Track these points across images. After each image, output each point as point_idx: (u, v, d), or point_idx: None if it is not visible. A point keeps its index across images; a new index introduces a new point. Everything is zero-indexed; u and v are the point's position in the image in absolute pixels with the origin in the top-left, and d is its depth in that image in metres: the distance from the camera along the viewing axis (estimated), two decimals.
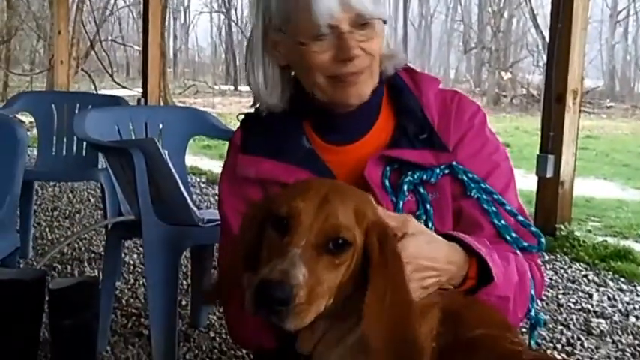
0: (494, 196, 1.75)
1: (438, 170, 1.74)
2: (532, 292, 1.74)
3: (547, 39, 5.76)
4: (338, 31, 1.68)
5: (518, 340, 1.44)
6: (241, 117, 1.93)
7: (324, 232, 1.36)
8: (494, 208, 1.74)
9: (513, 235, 1.74)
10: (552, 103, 5.41)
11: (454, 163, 1.76)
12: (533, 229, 1.77)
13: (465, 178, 1.75)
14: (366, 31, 1.70)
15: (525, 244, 1.75)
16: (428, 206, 1.73)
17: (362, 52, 1.71)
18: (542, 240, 1.77)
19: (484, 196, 1.74)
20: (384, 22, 1.77)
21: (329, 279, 1.35)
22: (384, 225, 1.44)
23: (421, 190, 1.74)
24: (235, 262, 1.51)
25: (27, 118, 9.04)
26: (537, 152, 5.57)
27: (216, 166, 8.82)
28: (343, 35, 1.68)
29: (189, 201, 3.14)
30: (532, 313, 1.76)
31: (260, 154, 1.80)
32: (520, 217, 1.76)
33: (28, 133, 4.09)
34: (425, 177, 1.74)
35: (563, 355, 3.42)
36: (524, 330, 2.07)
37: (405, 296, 1.37)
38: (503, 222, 1.74)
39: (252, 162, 1.81)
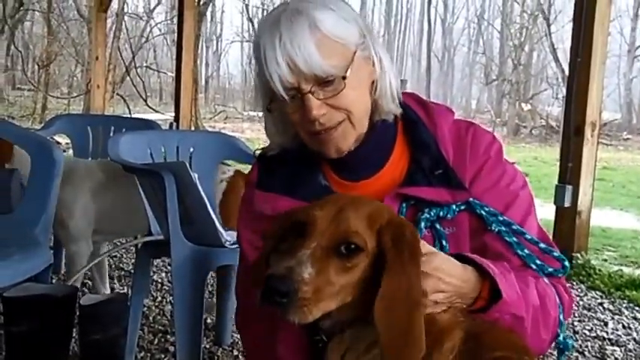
0: (514, 227, 1.71)
1: (454, 207, 1.70)
2: (561, 316, 1.71)
3: (566, 72, 5.75)
4: (300, 91, 1.63)
5: None
6: (258, 152, 1.91)
7: (334, 237, 1.39)
8: (515, 239, 1.70)
9: (538, 262, 1.71)
10: (571, 134, 5.38)
11: (471, 199, 1.72)
12: (556, 254, 1.74)
13: (483, 212, 1.71)
14: (332, 87, 1.63)
15: (551, 269, 1.71)
16: (444, 242, 1.69)
17: (329, 109, 1.65)
18: (566, 264, 1.74)
19: (504, 228, 1.70)
20: (373, 61, 1.71)
21: (340, 280, 1.37)
22: (399, 224, 1.45)
23: (437, 226, 1.70)
24: (258, 267, 1.52)
25: (63, 140, 9.12)
26: (556, 182, 5.54)
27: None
28: (304, 96, 1.63)
29: (216, 222, 3.14)
30: (560, 338, 1.72)
31: (276, 191, 1.77)
32: (542, 244, 1.72)
33: (65, 154, 4.13)
34: (442, 214, 1.69)
35: None
36: (552, 354, 2.04)
37: (415, 294, 1.37)
38: (526, 251, 1.70)
39: (268, 198, 1.78)
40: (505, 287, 1.54)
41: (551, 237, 5.26)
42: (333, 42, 1.63)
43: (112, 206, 3.76)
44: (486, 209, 1.71)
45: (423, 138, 1.78)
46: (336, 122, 1.67)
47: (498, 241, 1.70)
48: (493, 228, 1.70)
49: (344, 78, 1.63)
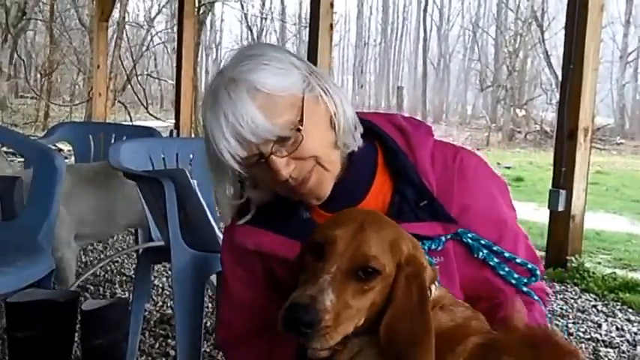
0: (494, 248, 1.71)
1: (443, 238, 1.67)
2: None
3: (560, 78, 5.75)
4: (262, 156, 1.57)
5: None
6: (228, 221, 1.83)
7: (354, 260, 1.38)
8: (497, 260, 1.71)
9: (516, 276, 1.73)
10: (564, 139, 5.39)
11: (460, 230, 1.69)
12: (530, 266, 1.74)
13: (469, 240, 1.69)
14: (291, 141, 1.57)
15: (525, 280, 1.74)
16: None
17: (296, 162, 1.59)
18: (537, 272, 1.75)
19: (486, 252, 1.70)
20: (324, 99, 1.63)
21: (357, 304, 1.37)
22: (418, 263, 1.44)
23: (428, 258, 1.65)
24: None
25: (65, 147, 9.12)
26: (550, 186, 5.55)
27: None
28: (268, 159, 1.57)
29: (216, 229, 3.15)
30: None
31: (258, 225, 1.72)
32: (518, 259, 1.73)
33: (66, 161, 4.13)
34: (433, 246, 1.66)
35: None
36: None
37: (417, 332, 1.37)
38: (506, 269, 1.72)
39: (250, 233, 1.73)
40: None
41: (545, 240, 5.26)
42: (278, 97, 1.56)
43: (87, 208, 3.75)
44: (470, 235, 1.69)
45: (405, 168, 1.71)
46: (308, 171, 1.62)
47: (484, 266, 1.71)
48: (480, 256, 1.70)
49: (299, 130, 1.56)
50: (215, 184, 1.74)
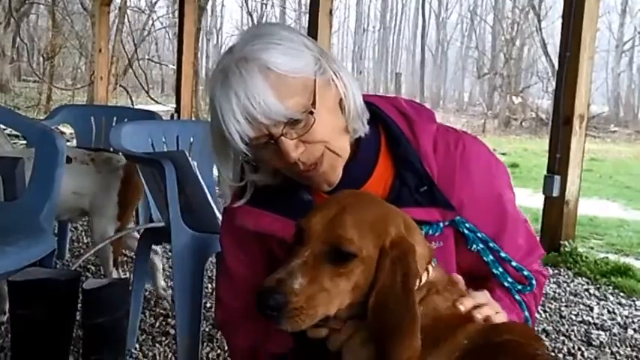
0: (490, 244, 1.68)
1: (441, 224, 1.65)
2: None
3: (556, 66, 5.74)
4: (272, 137, 1.53)
5: (543, 350, 1.43)
6: (228, 201, 1.79)
7: (328, 243, 1.36)
8: (492, 257, 1.69)
9: (510, 280, 1.71)
10: (560, 126, 5.39)
11: (457, 217, 1.66)
12: (526, 272, 1.72)
13: (465, 231, 1.67)
14: (302, 124, 1.52)
15: (519, 287, 1.72)
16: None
17: (305, 145, 1.55)
18: (533, 282, 1.73)
19: (482, 246, 1.68)
20: (335, 82, 1.59)
21: (333, 287, 1.35)
22: (406, 245, 1.39)
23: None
24: None
25: (67, 130, 9.10)
26: (545, 173, 5.55)
27: None
28: (277, 140, 1.52)
29: (215, 210, 3.15)
30: None
31: (259, 206, 1.68)
32: (514, 263, 1.71)
33: (68, 143, 4.12)
34: (430, 231, 1.64)
35: None
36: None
37: (403, 318, 1.34)
38: (500, 269, 1.70)
39: (250, 213, 1.69)
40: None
41: (539, 225, 5.26)
42: (291, 79, 1.51)
43: None
44: (467, 226, 1.67)
45: (407, 154, 1.67)
46: (317, 156, 1.58)
47: (479, 259, 1.69)
48: (474, 248, 1.68)
49: (312, 113, 1.52)
50: (217, 164, 1.71)
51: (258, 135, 1.53)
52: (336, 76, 1.59)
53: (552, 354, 1.57)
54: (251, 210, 1.69)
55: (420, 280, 1.43)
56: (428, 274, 1.45)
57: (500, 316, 1.51)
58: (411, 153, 1.67)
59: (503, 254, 1.70)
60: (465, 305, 1.47)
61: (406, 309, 1.34)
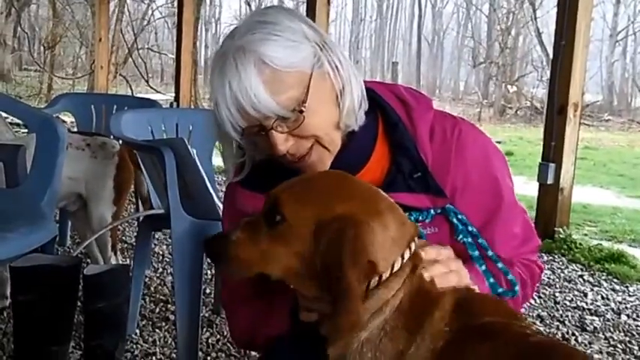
0: (479, 241, 1.65)
1: (432, 211, 1.62)
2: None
3: (551, 55, 5.73)
4: (263, 128, 1.53)
5: (526, 325, 1.41)
6: (230, 177, 1.79)
7: (266, 207, 1.41)
8: (477, 253, 1.64)
9: (492, 281, 1.64)
10: (555, 114, 5.38)
11: (448, 205, 1.63)
12: (510, 277, 1.66)
13: (455, 220, 1.64)
14: (292, 119, 1.52)
15: (501, 290, 1.64)
16: None
17: (295, 139, 1.55)
18: (516, 289, 1.66)
19: (470, 240, 1.64)
20: (332, 74, 1.56)
21: (269, 247, 1.38)
22: (352, 222, 1.34)
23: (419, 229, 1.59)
24: None
25: (68, 118, 9.09)
26: (539, 160, 5.55)
27: None
28: (268, 133, 1.53)
29: (214, 197, 3.15)
30: None
31: (258, 190, 1.65)
32: (500, 264, 1.65)
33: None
34: (421, 217, 1.61)
35: None
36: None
37: (337, 293, 1.31)
38: (484, 267, 1.64)
39: (250, 197, 1.69)
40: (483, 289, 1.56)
41: (534, 212, 5.24)
42: (285, 74, 1.50)
43: None
44: (459, 217, 1.64)
45: (403, 140, 1.65)
46: (306, 149, 1.57)
47: (464, 251, 1.63)
48: (460, 239, 1.64)
49: (301, 112, 1.51)
50: (219, 142, 1.71)
51: (249, 125, 1.53)
52: (334, 70, 1.57)
53: (535, 328, 1.52)
54: (249, 194, 1.69)
55: (403, 259, 1.37)
56: (410, 250, 1.40)
57: (451, 277, 1.44)
58: (407, 139, 1.65)
59: (490, 253, 1.65)
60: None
61: (343, 285, 1.31)
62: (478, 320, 1.36)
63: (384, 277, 1.36)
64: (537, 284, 1.83)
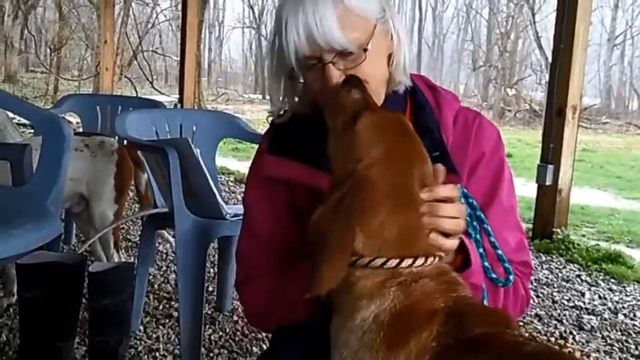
0: (484, 226, 1.64)
1: None
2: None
3: (550, 59, 5.73)
4: (321, 61, 1.57)
5: (518, 333, 1.38)
6: (271, 118, 1.81)
7: (354, 106, 1.47)
8: (478, 237, 1.63)
9: (486, 264, 1.62)
10: (553, 117, 5.39)
11: (459, 185, 1.61)
12: (507, 265, 1.64)
13: (463, 201, 1.61)
14: (352, 58, 1.57)
15: (493, 275, 1.63)
16: None
17: None
18: (511, 277, 1.64)
19: (475, 224, 1.63)
20: (391, 35, 1.64)
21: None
22: (373, 178, 1.35)
23: None
24: None
25: (74, 119, 9.08)
26: (538, 162, 5.55)
27: (243, 167, 8.82)
28: (325, 66, 1.57)
29: (218, 196, 3.15)
30: None
31: (287, 156, 1.70)
32: (499, 251, 1.64)
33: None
34: None
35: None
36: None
37: (332, 242, 1.30)
38: (481, 250, 1.62)
39: (278, 163, 1.71)
40: (474, 257, 1.55)
41: (533, 213, 5.20)
42: (355, 15, 1.57)
43: None
44: (470, 201, 1.63)
45: (428, 122, 1.71)
46: None
47: (465, 232, 1.59)
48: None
49: (365, 50, 1.57)
50: (269, 86, 1.77)
51: (311, 55, 1.57)
52: (394, 30, 1.65)
53: (528, 334, 1.48)
54: (277, 159, 1.71)
55: (403, 261, 1.34)
56: (415, 262, 1.35)
57: (451, 242, 1.45)
58: (432, 121, 1.72)
59: (492, 239, 1.65)
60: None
61: (344, 228, 1.30)
62: (470, 332, 1.31)
63: (377, 264, 1.34)
64: (528, 284, 1.80)
